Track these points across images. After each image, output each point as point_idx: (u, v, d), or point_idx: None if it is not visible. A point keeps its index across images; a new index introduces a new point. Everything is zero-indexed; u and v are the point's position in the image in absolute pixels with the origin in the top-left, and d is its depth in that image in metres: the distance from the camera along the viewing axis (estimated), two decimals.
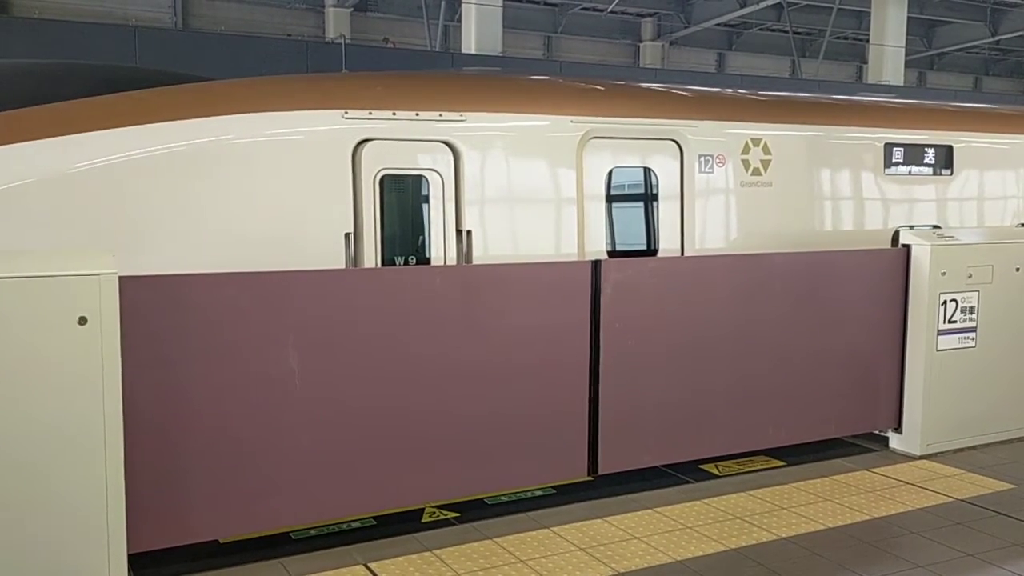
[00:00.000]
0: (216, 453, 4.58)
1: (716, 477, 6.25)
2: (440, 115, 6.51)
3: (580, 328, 5.51)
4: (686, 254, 7.43)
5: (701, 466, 6.41)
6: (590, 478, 5.77)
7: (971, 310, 6.74)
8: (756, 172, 7.81)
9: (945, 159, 9.01)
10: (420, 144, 6.47)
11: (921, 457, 6.60)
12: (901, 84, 25.78)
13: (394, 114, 6.36)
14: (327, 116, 6.20)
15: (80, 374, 4.00)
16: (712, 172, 7.60)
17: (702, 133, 7.57)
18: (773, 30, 32.34)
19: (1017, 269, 6.93)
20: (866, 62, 28.86)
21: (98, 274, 4.02)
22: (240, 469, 4.64)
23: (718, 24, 30.17)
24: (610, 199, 7.20)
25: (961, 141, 9.13)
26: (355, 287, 4.96)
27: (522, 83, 7.62)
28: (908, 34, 26.53)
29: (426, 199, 6.49)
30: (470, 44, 20.19)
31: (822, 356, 6.46)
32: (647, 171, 7.39)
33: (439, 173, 6.50)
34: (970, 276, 6.71)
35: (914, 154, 8.80)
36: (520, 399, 5.34)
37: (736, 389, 6.11)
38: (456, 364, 5.15)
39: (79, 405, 4.01)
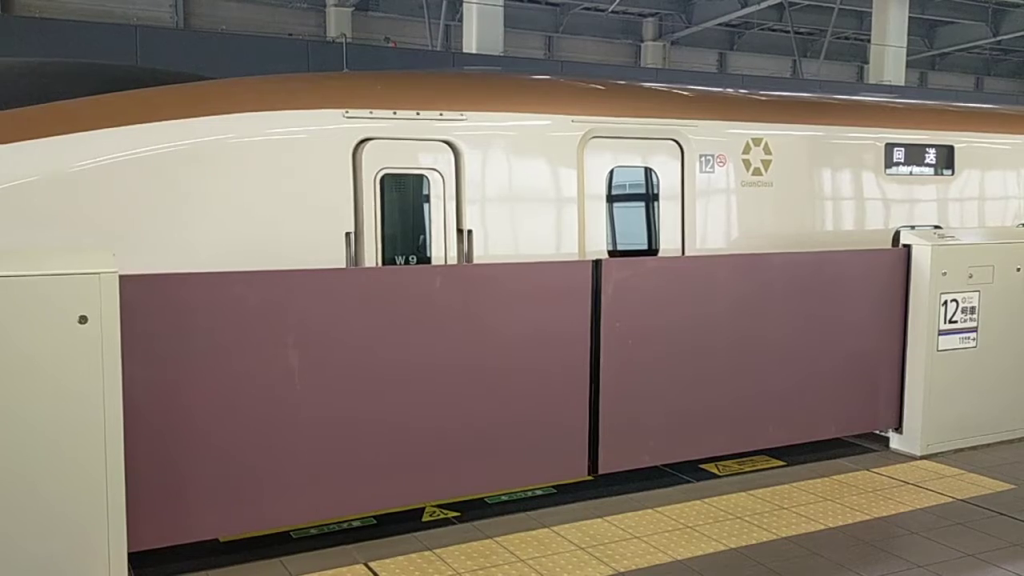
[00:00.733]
0: (216, 451, 4.58)
1: (716, 477, 6.26)
2: (441, 114, 6.51)
3: (581, 328, 5.51)
4: (687, 254, 7.43)
5: (701, 466, 6.42)
6: (590, 477, 5.77)
7: (972, 310, 6.73)
8: (757, 172, 7.81)
9: (946, 159, 9.01)
10: (421, 143, 6.47)
11: (921, 457, 6.60)
12: (902, 84, 25.73)
13: (395, 113, 6.36)
14: (328, 115, 6.20)
15: (80, 372, 4.00)
16: (713, 172, 7.60)
17: (703, 133, 7.57)
18: (774, 30, 32.31)
19: (1018, 269, 6.92)
20: (867, 62, 28.81)
21: (98, 273, 4.02)
22: (240, 468, 4.64)
23: (719, 24, 30.15)
24: (611, 199, 7.20)
25: (962, 141, 9.13)
26: (355, 286, 4.96)
27: (523, 82, 7.62)
28: (909, 34, 26.50)
29: (427, 198, 6.49)
30: (471, 44, 20.17)
31: (823, 356, 6.46)
32: (648, 171, 7.39)
33: (440, 172, 6.50)
34: (971, 276, 6.70)
35: (915, 154, 8.79)
36: (521, 398, 5.34)
37: (737, 389, 6.11)
38: (457, 363, 5.15)
39: (79, 403, 4.01)
